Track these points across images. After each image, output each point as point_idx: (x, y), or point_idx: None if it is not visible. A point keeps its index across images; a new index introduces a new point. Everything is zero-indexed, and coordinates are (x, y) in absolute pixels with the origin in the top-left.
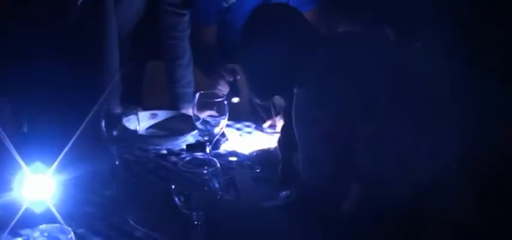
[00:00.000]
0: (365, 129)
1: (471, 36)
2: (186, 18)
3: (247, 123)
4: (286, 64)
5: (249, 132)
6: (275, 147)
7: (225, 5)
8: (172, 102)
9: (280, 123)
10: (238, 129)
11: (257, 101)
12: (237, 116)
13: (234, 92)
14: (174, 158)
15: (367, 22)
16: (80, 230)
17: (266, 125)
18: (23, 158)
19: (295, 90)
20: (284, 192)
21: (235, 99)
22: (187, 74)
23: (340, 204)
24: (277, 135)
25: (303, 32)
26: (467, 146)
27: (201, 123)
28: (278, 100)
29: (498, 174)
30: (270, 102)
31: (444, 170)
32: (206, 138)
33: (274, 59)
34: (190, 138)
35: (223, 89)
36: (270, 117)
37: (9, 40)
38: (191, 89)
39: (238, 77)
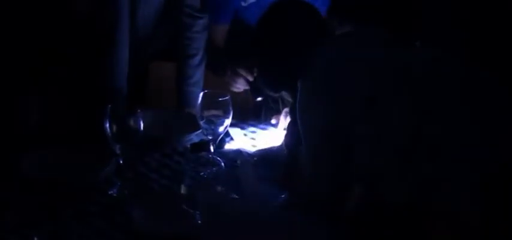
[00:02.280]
0: (363, 126)
1: (471, 34)
2: (201, 21)
3: (252, 123)
4: (298, 56)
5: (254, 132)
6: (279, 147)
7: (243, 4)
8: (179, 100)
9: (283, 122)
10: (242, 128)
11: (267, 91)
12: (241, 115)
13: (256, 91)
14: (178, 157)
15: (369, 23)
16: (85, 229)
17: (274, 121)
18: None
19: (299, 84)
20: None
21: (259, 98)
22: (197, 73)
23: (343, 203)
24: (279, 134)
25: (317, 26)
26: (468, 144)
27: (205, 122)
28: (286, 95)
29: (500, 173)
30: (279, 94)
31: (445, 167)
32: (210, 138)
33: (288, 52)
34: (195, 137)
35: (241, 87)
36: (278, 110)
37: (20, 36)
38: (198, 90)
39: None
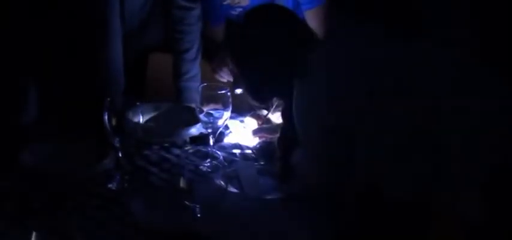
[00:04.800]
0: (363, 124)
1: (472, 32)
2: (195, 12)
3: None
4: (282, 67)
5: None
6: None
7: (233, 13)
8: (177, 96)
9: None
10: (241, 121)
11: (256, 103)
12: (240, 108)
13: (238, 83)
14: (177, 151)
15: (368, 20)
16: (84, 222)
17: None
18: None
19: (295, 87)
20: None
21: (238, 90)
22: (193, 68)
23: (343, 200)
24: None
25: (296, 33)
26: (469, 142)
27: (204, 115)
28: (276, 101)
29: (501, 171)
30: (268, 104)
31: (445, 165)
32: (209, 131)
33: (269, 63)
34: (194, 130)
35: (226, 76)
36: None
37: (12, 29)
38: (196, 84)
39: None
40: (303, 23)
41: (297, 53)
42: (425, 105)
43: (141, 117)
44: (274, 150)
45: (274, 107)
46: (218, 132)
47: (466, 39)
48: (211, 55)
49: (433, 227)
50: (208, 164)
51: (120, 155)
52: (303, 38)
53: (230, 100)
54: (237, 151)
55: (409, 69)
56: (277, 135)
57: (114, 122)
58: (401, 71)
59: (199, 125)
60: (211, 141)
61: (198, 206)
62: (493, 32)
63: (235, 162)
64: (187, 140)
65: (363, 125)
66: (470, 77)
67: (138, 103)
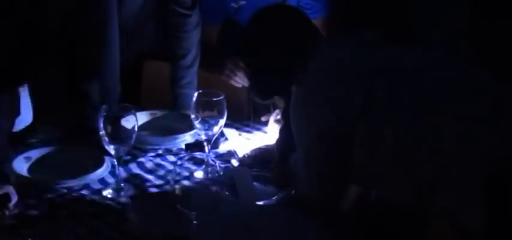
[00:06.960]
0: (361, 129)
1: (470, 35)
2: (191, 19)
3: (247, 122)
4: (288, 64)
5: (248, 131)
6: (273, 146)
7: (234, 6)
8: (173, 102)
9: (272, 122)
10: (237, 128)
11: (258, 99)
12: (236, 115)
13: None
14: (172, 158)
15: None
16: (80, 230)
17: (264, 118)
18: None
19: (293, 89)
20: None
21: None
22: (188, 75)
23: (338, 203)
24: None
25: (305, 32)
26: (468, 144)
27: (200, 122)
28: (278, 100)
29: (500, 173)
30: (270, 102)
31: (445, 168)
32: (205, 138)
33: (277, 59)
34: (189, 137)
35: (241, 80)
36: (268, 108)
37: (7, 32)
38: (190, 91)
39: None
40: (312, 24)
41: (303, 52)
42: (424, 109)
43: (136, 124)
44: (270, 156)
45: (275, 112)
46: (214, 139)
47: (463, 41)
48: (207, 60)
49: (432, 233)
50: (204, 171)
51: (115, 162)
52: (310, 38)
53: (225, 107)
54: (232, 158)
55: (407, 74)
56: (274, 142)
57: (109, 129)
58: (399, 76)
59: (194, 132)
60: (206, 148)
61: (193, 212)
62: (490, 33)
63: (230, 169)
64: (183, 147)
65: (360, 130)
66: (469, 80)
67: (133, 110)
